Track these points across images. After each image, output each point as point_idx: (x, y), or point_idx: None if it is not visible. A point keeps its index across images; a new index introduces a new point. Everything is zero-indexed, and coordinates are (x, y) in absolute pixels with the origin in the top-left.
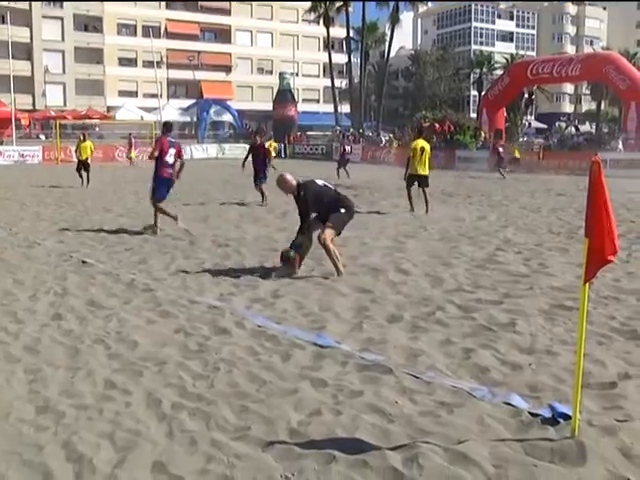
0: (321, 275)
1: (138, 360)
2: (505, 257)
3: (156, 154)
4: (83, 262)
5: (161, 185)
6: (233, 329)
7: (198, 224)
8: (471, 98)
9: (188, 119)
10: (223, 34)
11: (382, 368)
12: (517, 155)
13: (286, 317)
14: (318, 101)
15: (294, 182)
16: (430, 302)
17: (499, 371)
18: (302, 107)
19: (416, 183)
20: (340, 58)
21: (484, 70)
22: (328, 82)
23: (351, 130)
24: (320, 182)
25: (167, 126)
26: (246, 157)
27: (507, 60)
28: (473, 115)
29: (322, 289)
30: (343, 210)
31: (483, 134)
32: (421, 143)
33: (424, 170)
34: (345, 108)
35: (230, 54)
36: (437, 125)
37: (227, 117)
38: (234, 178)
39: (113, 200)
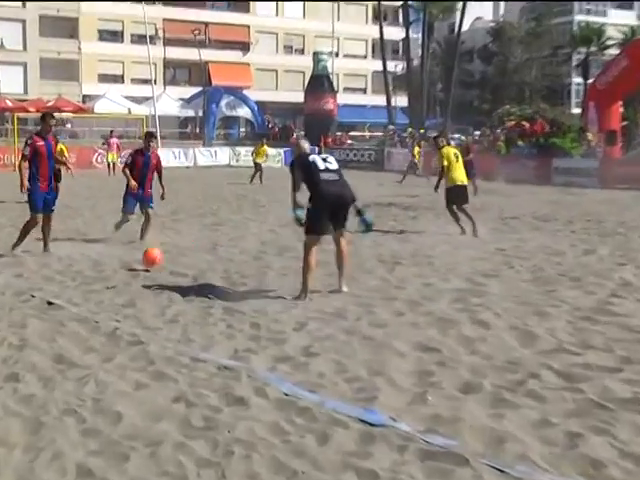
0: (370, 324)
1: (123, 439)
2: (623, 306)
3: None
4: (49, 303)
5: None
6: (252, 398)
7: (205, 255)
8: (573, 87)
9: (191, 113)
10: (239, 0)
11: (454, 457)
12: None
13: (323, 383)
14: (364, 91)
15: (301, 150)
16: (519, 367)
17: (618, 466)
18: (343, 99)
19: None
20: (395, 33)
21: (592, 49)
22: (378, 65)
23: (409, 130)
24: (321, 165)
25: (148, 138)
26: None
27: (625, 35)
28: (576, 111)
29: (371, 346)
30: (309, 204)
31: (590, 137)
32: (452, 149)
33: (464, 178)
34: (401, 101)
35: (248, 27)
36: (526, 125)
37: (243, 111)
38: (252, 193)
39: (90, 220)
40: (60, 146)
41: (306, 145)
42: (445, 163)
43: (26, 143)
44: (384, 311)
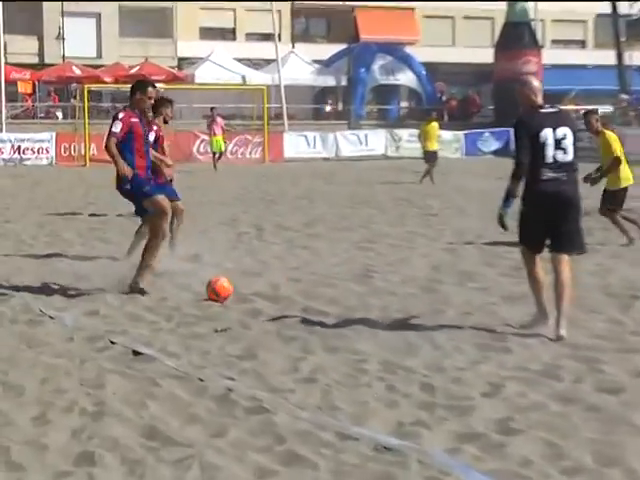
0: (597, 388)
1: None
2: None
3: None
4: (136, 353)
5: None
6: None
7: (353, 285)
8: None
9: (331, 82)
10: None
11: None
12: None
13: (529, 475)
14: (583, 44)
15: (530, 100)
16: None
17: None
18: (551, 57)
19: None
20: None
21: None
22: (604, 6)
23: None
24: (550, 147)
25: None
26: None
27: None
28: None
29: (600, 420)
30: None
31: None
32: (613, 134)
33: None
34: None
35: None
36: None
37: (405, 78)
38: (418, 196)
39: (192, 235)
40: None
41: (538, 93)
42: (618, 152)
43: (115, 117)
44: (617, 369)
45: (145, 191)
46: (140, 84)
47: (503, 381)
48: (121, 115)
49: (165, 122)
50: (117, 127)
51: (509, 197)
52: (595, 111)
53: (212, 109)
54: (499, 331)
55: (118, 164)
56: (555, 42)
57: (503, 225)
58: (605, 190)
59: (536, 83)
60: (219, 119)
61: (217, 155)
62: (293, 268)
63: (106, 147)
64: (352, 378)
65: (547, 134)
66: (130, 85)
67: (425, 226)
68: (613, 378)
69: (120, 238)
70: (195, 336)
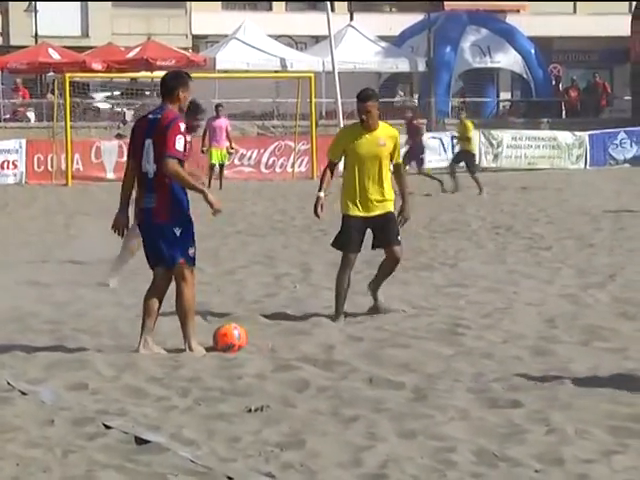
0: None
1: None
2: None
3: None
4: (138, 441)
5: None
6: None
7: (438, 345)
8: None
9: (404, 66)
10: None
11: None
12: None
13: None
14: None
15: None
16: None
17: None
18: None
19: None
20: None
21: None
22: None
23: None
24: None
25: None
26: None
27: None
28: None
29: None
30: None
31: None
32: None
33: None
34: None
35: None
36: None
37: (507, 59)
38: (519, 222)
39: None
40: None
41: None
42: None
43: (175, 128)
44: None
45: (189, 249)
46: (180, 77)
47: None
48: (182, 126)
49: (192, 130)
50: (181, 144)
51: None
52: None
53: (217, 107)
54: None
55: (205, 193)
56: None
57: None
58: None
59: None
60: (224, 121)
61: (217, 168)
62: (352, 323)
63: (170, 172)
64: (436, 473)
65: None
66: (144, 75)
67: (533, 264)
68: None
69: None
70: (220, 417)
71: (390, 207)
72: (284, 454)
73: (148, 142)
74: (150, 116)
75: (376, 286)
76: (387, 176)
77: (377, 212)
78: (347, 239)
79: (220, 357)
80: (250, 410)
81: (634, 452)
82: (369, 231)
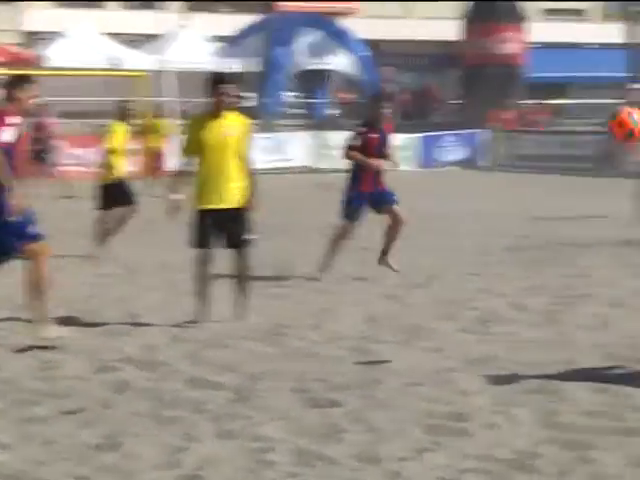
0: None
1: None
2: None
3: None
4: None
5: None
6: None
7: (261, 345)
8: None
9: (239, 67)
10: None
11: None
12: None
13: None
14: (578, 14)
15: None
16: None
17: None
18: (539, 33)
19: None
20: None
21: None
22: None
23: None
24: None
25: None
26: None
27: None
28: None
29: None
30: None
31: None
32: None
33: None
34: None
35: None
36: None
37: (337, 61)
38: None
39: None
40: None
41: None
42: None
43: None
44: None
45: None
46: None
47: (460, 475)
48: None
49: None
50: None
51: None
52: None
53: (42, 106)
54: (457, 407)
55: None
56: (550, 12)
57: None
58: None
59: None
60: (49, 120)
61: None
62: (177, 324)
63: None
64: (253, 474)
65: None
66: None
67: (358, 263)
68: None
69: None
70: (34, 420)
71: (242, 201)
72: (100, 456)
73: None
74: None
75: None
76: (238, 167)
77: (228, 205)
78: (200, 235)
79: (39, 358)
80: (67, 412)
81: (447, 450)
82: None
